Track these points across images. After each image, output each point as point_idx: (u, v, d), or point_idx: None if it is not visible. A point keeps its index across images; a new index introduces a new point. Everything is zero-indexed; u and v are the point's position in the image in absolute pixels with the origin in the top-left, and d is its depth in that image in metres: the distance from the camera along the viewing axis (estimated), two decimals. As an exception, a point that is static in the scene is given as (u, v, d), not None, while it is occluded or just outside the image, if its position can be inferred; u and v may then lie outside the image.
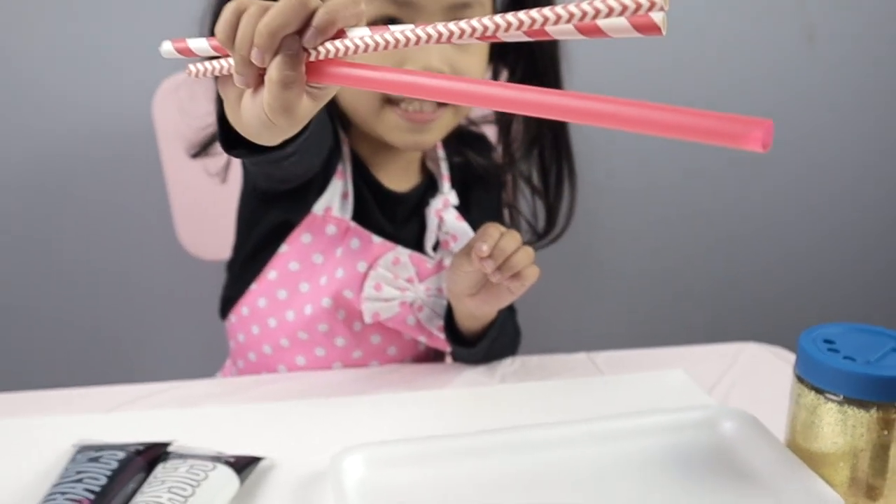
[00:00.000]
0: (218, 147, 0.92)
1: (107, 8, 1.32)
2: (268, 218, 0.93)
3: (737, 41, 1.51)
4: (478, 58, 0.88)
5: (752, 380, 0.88)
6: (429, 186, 0.98)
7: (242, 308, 0.96)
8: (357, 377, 0.91)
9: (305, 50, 0.50)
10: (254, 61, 0.51)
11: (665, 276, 1.64)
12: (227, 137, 0.63)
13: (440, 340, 0.95)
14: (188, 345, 1.51)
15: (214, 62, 0.56)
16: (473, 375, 0.91)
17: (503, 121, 1.00)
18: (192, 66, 0.58)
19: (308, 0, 0.49)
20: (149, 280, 1.49)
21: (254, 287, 0.94)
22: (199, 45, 0.57)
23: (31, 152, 1.38)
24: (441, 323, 0.94)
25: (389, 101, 0.85)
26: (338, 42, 0.50)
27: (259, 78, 0.53)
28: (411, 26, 0.47)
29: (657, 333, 1.63)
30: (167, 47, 0.58)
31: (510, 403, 0.83)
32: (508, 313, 0.96)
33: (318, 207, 0.90)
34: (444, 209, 0.95)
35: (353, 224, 0.91)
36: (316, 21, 0.49)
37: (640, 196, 1.58)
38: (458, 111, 0.90)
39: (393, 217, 0.95)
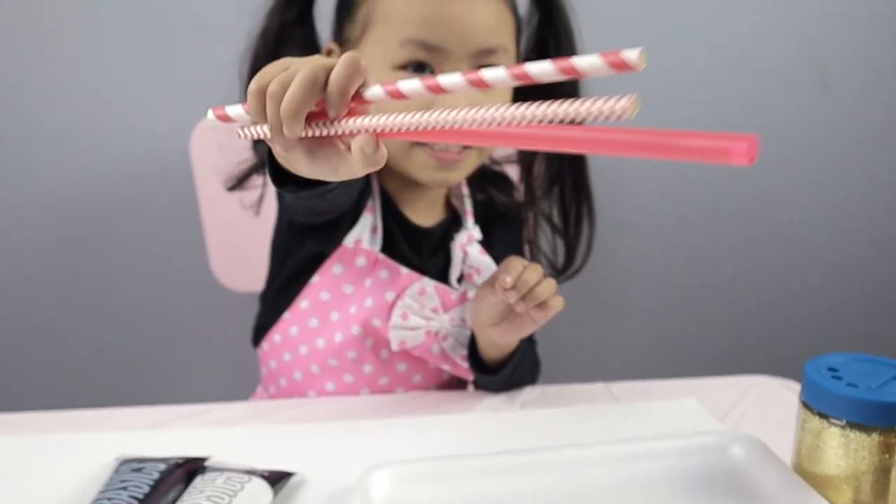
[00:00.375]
0: (253, 181, 0.98)
1: (147, 46, 1.37)
2: (302, 250, 0.97)
3: (751, 88, 1.54)
4: (504, 98, 0.92)
5: (763, 410, 0.90)
6: (453, 222, 1.02)
7: (275, 336, 1.00)
8: (383, 402, 0.95)
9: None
10: (287, 136, 0.55)
11: (680, 310, 1.66)
12: (277, 174, 0.66)
13: (463, 369, 0.99)
14: (222, 372, 1.55)
15: (257, 128, 0.60)
16: (495, 402, 0.94)
17: (525, 161, 1.05)
18: (239, 131, 0.63)
19: (317, 76, 0.53)
20: (184, 310, 1.53)
21: (286, 316, 0.98)
22: (237, 112, 0.61)
23: (71, 184, 1.43)
24: (464, 352, 0.98)
25: (418, 141, 0.89)
26: (361, 120, 0.54)
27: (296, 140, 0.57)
28: (428, 112, 0.50)
29: (672, 365, 1.65)
30: (210, 115, 0.62)
31: (529, 428, 0.87)
32: (529, 344, 0.99)
33: (349, 240, 0.95)
34: (468, 243, 0.99)
35: (381, 256, 0.95)
36: (329, 98, 0.54)
37: (656, 231, 1.60)
38: (482, 151, 0.94)
39: (419, 250, 0.99)
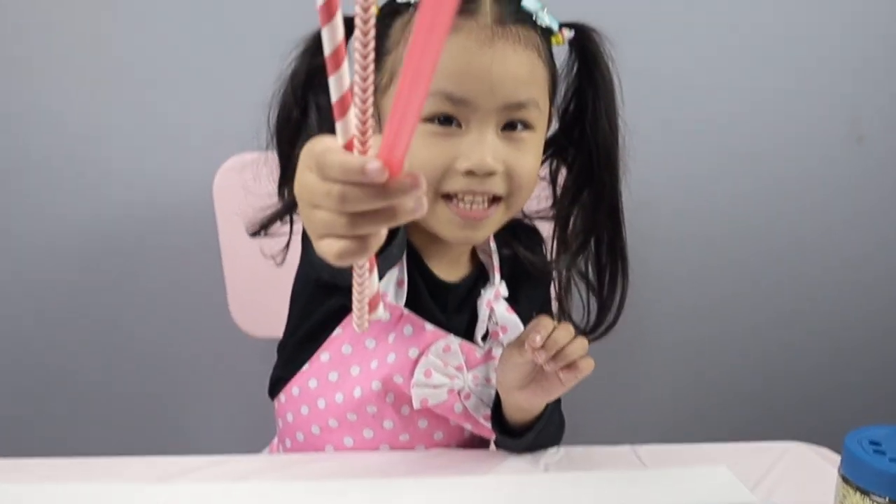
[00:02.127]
0: (276, 227, 0.96)
1: (172, 87, 1.38)
2: (327, 304, 0.94)
3: (787, 141, 1.53)
4: (532, 155, 0.89)
5: (796, 479, 0.87)
6: (479, 277, 1.00)
7: (293, 388, 0.98)
8: (403, 459, 0.92)
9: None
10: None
11: (711, 372, 1.64)
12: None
13: (485, 428, 0.96)
14: (236, 420, 1.53)
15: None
16: (518, 463, 0.91)
17: (561, 216, 1.01)
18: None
19: (346, 197, 0.45)
20: (199, 354, 1.52)
21: (305, 368, 0.96)
22: None
23: (92, 225, 1.44)
24: (487, 412, 0.95)
25: (444, 196, 0.87)
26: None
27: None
28: None
29: (701, 429, 1.62)
30: None
31: (554, 493, 0.84)
32: (555, 404, 0.97)
33: None
34: (495, 300, 0.97)
35: (406, 311, 0.93)
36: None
37: (687, 292, 1.59)
38: (509, 208, 0.91)
39: (444, 306, 0.96)
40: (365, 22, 0.41)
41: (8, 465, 0.87)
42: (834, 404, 1.65)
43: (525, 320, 0.92)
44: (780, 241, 1.58)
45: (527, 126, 0.87)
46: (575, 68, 0.94)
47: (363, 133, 0.46)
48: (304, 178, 0.49)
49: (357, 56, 0.43)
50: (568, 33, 0.91)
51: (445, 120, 0.85)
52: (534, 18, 0.87)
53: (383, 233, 0.49)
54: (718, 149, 1.52)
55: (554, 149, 0.98)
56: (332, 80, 0.45)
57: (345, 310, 0.93)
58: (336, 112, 0.46)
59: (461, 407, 0.95)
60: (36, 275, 1.44)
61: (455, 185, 0.85)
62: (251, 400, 1.30)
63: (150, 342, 1.50)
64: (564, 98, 0.95)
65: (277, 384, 1.01)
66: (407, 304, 0.93)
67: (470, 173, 0.84)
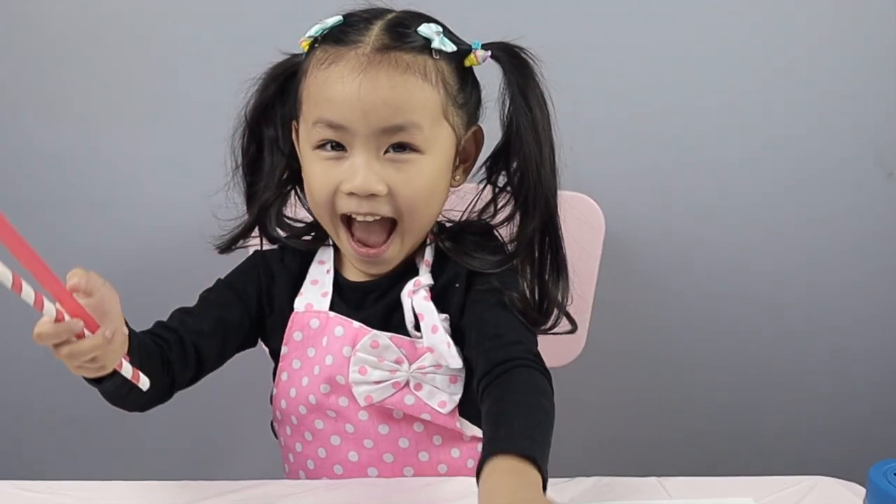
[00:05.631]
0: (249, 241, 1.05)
1: (199, 115, 1.41)
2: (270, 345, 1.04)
3: (814, 178, 1.53)
4: (420, 176, 0.91)
5: (823, 513, 0.87)
6: (406, 271, 1.00)
7: (276, 412, 1.04)
8: (415, 485, 0.93)
9: None
10: None
11: (736, 406, 1.63)
12: None
13: (444, 417, 0.97)
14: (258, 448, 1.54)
15: None
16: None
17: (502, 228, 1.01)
18: None
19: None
20: (234, 381, 1.53)
21: (275, 392, 1.03)
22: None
23: (128, 246, 1.49)
24: (444, 397, 0.96)
25: (342, 217, 0.93)
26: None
27: None
28: None
29: (727, 461, 1.60)
30: None
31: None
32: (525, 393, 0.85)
33: (300, 305, 1.00)
34: (414, 290, 0.97)
35: (332, 314, 0.98)
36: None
37: (713, 328, 1.58)
38: (405, 231, 0.94)
39: (362, 303, 1.00)
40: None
41: (42, 487, 0.89)
42: (861, 438, 1.63)
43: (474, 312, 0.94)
44: (809, 279, 1.58)
45: (412, 149, 0.90)
46: (505, 87, 0.96)
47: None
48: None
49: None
50: (482, 53, 0.95)
51: (336, 145, 0.90)
52: (429, 44, 0.90)
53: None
54: (743, 188, 1.52)
55: (498, 163, 0.99)
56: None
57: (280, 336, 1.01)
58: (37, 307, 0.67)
59: (413, 399, 0.96)
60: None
61: (345, 206, 0.91)
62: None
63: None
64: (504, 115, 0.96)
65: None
66: (332, 308, 0.98)
67: (353, 195, 0.89)
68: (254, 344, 1.07)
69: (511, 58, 0.96)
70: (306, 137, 0.94)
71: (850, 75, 1.49)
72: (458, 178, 1.00)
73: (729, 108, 1.48)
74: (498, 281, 0.96)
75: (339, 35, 0.91)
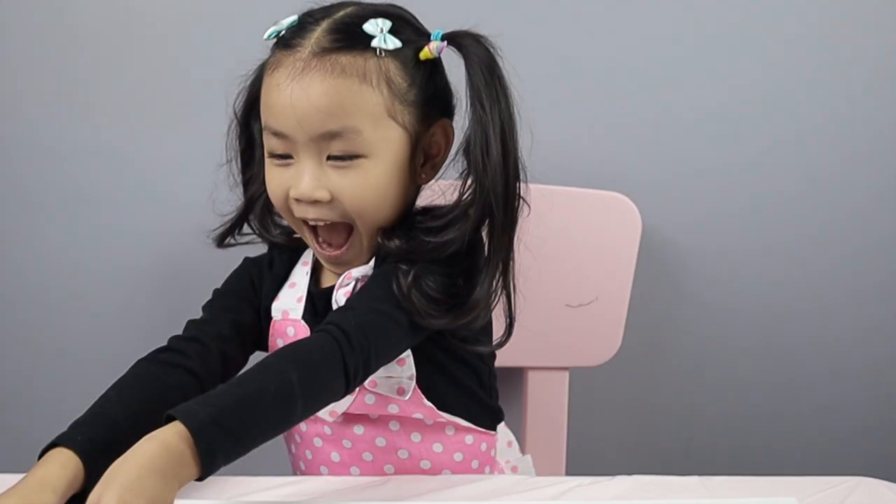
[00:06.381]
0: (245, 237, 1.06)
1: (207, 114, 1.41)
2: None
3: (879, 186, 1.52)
4: (364, 180, 0.89)
5: (867, 514, 0.87)
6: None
7: None
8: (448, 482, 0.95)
9: None
10: None
11: (778, 406, 1.61)
12: None
13: (412, 405, 0.96)
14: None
15: None
16: (587, 491, 0.92)
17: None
18: None
19: None
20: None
21: None
22: None
23: (153, 245, 1.49)
24: (400, 384, 0.95)
25: (304, 221, 0.92)
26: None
27: None
28: None
29: (770, 462, 1.60)
30: None
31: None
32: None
33: (277, 314, 1.00)
34: (346, 283, 0.95)
35: (302, 323, 0.98)
36: None
37: (752, 325, 1.57)
38: (362, 232, 0.92)
39: (326, 311, 0.96)
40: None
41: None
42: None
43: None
44: (845, 279, 1.57)
45: (354, 153, 0.88)
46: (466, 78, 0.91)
47: None
48: None
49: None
50: (437, 45, 0.91)
51: (281, 155, 0.91)
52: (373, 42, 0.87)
53: None
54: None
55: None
56: None
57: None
58: None
59: (373, 398, 0.96)
60: (105, 304, 1.49)
61: (298, 211, 0.92)
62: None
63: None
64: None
65: None
66: (304, 316, 0.99)
67: (298, 201, 0.90)
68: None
69: (468, 46, 0.91)
70: (264, 146, 0.94)
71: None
72: (424, 175, 0.97)
73: (772, 112, 1.47)
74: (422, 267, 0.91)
75: (288, 37, 0.89)
